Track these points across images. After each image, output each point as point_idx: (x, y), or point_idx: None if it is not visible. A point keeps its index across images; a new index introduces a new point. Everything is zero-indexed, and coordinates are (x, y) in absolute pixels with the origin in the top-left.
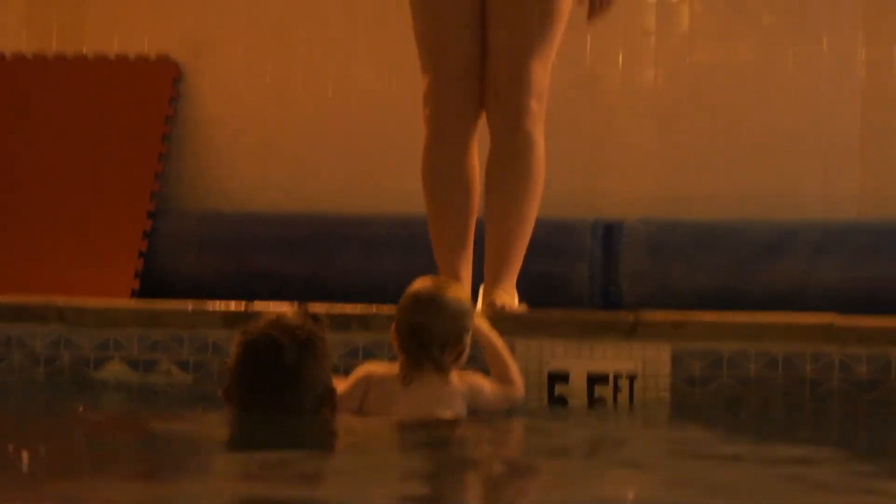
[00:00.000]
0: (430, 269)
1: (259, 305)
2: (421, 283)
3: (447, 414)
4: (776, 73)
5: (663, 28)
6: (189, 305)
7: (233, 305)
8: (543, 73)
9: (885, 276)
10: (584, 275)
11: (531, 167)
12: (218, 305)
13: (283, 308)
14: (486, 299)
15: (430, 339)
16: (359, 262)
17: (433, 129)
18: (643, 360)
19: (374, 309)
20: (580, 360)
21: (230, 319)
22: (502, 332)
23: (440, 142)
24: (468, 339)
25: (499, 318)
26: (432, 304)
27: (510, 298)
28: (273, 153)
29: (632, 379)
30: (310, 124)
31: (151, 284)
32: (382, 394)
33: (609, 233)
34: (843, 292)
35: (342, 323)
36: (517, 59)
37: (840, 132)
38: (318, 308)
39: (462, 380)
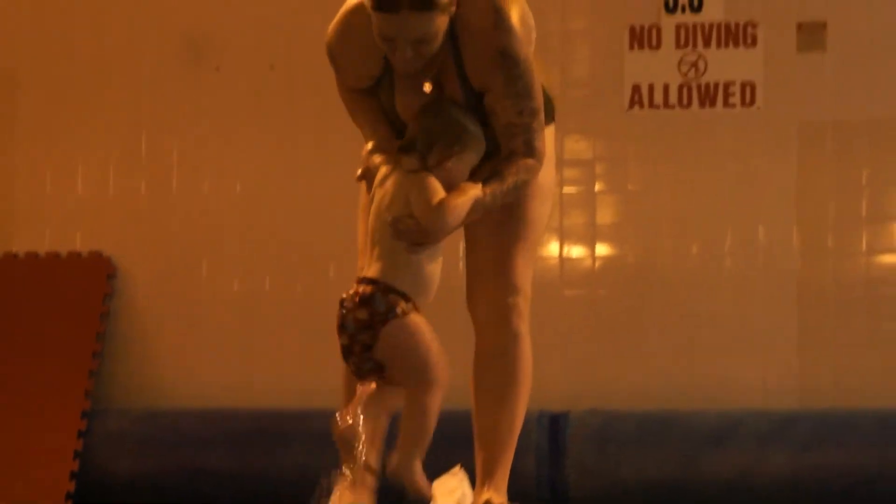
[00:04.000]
0: None
1: None
2: None
3: None
4: (714, 262)
5: (583, 219)
6: None
7: None
8: (525, 271)
9: (831, 464)
10: (531, 467)
11: (518, 364)
12: None
13: None
14: (477, 499)
15: None
16: (302, 457)
17: None
18: None
19: None
20: None
21: None
22: None
23: None
24: None
25: None
26: None
27: (499, 498)
28: (210, 349)
29: None
30: (246, 319)
31: (87, 485)
32: None
33: (555, 424)
34: (791, 481)
35: None
36: (500, 260)
37: (778, 322)
38: None
39: None
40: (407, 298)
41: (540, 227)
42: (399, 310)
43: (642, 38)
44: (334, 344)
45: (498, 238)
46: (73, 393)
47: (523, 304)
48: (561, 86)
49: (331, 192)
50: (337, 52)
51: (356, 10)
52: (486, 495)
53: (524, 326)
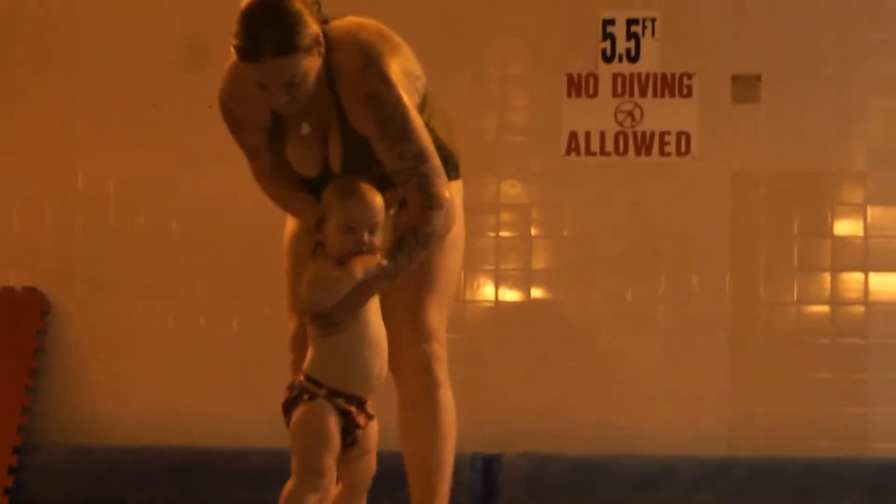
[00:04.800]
0: None
1: None
2: None
3: None
4: (647, 309)
5: (518, 264)
6: None
7: None
8: (439, 319)
9: None
10: None
11: (440, 407)
12: None
13: None
14: None
15: None
16: (238, 495)
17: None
18: None
19: None
20: None
21: None
22: None
23: None
24: None
25: None
26: None
27: None
28: (144, 385)
29: None
30: (181, 356)
31: None
32: None
33: (488, 466)
34: None
35: None
36: (413, 311)
37: (710, 368)
38: None
39: None
40: (319, 385)
41: (450, 278)
42: (304, 396)
43: (580, 86)
44: (268, 381)
45: (409, 291)
46: (5, 428)
47: (440, 350)
48: (498, 131)
49: (268, 228)
50: (230, 104)
51: (238, 65)
52: None
53: (443, 372)
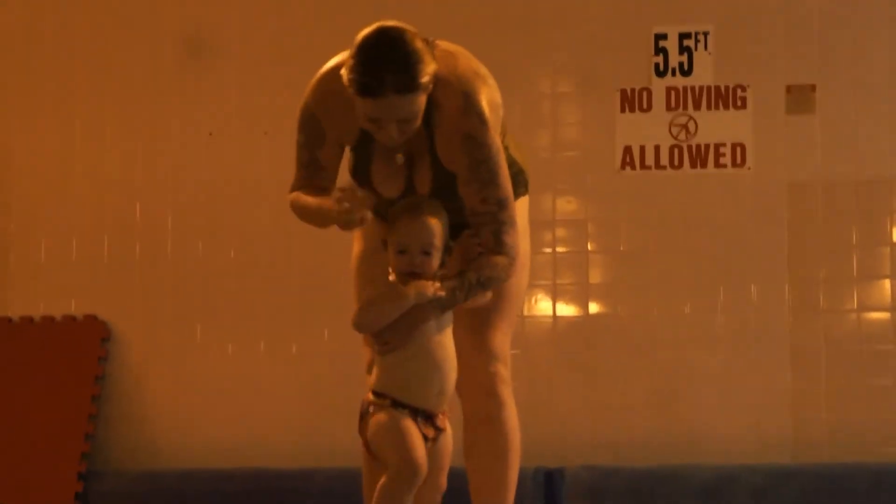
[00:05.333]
0: None
1: None
2: None
3: None
4: (707, 320)
5: (576, 278)
6: None
7: None
8: (504, 340)
9: None
10: None
11: (506, 429)
12: None
13: None
14: None
15: None
16: None
17: None
18: None
19: None
20: None
21: None
22: None
23: None
24: None
25: None
26: None
27: None
28: (206, 410)
29: None
30: (241, 380)
31: None
32: None
33: (550, 480)
34: None
35: None
36: (479, 332)
37: (771, 378)
38: None
39: None
40: (383, 396)
41: (516, 299)
42: (370, 409)
43: (633, 100)
44: (328, 403)
45: (476, 312)
46: (69, 455)
47: (504, 371)
48: (552, 148)
49: (325, 253)
50: (319, 115)
51: (332, 77)
52: None
53: (508, 392)
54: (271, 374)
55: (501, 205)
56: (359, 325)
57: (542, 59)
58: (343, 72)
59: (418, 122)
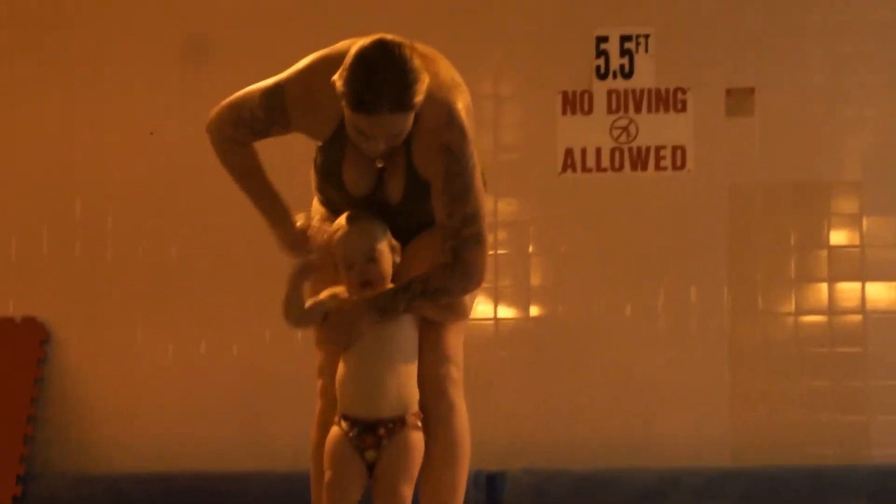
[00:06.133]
0: None
1: None
2: None
3: None
4: (647, 322)
5: (516, 280)
6: None
7: None
8: (457, 342)
9: None
10: None
11: (456, 432)
12: None
13: None
14: None
15: None
16: None
17: (328, 401)
18: None
19: None
20: None
21: None
22: None
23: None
24: None
25: None
26: None
27: None
28: (146, 412)
29: None
30: (182, 382)
31: None
32: None
33: (492, 483)
34: None
35: None
36: (431, 334)
37: (710, 380)
38: None
39: None
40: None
41: (469, 300)
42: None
43: (574, 103)
44: (269, 406)
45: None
46: (8, 458)
47: (456, 373)
48: (494, 149)
49: (267, 254)
50: (290, 102)
51: (321, 69)
52: None
53: (458, 394)
54: (212, 376)
55: (466, 221)
56: (283, 314)
57: (483, 60)
58: (336, 80)
59: (404, 137)
